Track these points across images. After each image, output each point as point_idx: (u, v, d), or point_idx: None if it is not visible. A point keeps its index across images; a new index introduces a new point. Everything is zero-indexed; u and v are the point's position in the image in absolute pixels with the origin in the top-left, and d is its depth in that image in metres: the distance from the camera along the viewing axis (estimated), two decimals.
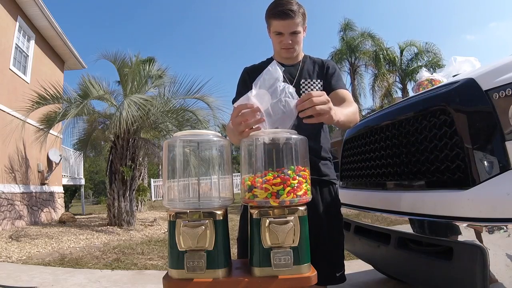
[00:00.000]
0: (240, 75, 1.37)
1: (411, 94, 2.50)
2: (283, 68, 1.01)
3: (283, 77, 1.23)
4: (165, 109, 6.44)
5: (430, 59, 13.02)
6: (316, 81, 1.31)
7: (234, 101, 1.31)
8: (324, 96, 0.92)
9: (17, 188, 6.47)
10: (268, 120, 0.91)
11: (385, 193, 1.42)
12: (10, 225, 5.92)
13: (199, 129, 6.11)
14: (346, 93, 1.30)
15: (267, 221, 0.76)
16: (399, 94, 13.75)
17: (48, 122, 6.17)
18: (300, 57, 1.37)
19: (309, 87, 1.30)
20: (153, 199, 14.44)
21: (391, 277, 2.27)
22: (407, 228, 1.17)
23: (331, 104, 0.94)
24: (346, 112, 1.11)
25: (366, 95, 15.11)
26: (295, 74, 1.32)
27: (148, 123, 6.54)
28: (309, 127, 1.04)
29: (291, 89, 0.95)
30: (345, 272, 1.23)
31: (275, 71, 0.97)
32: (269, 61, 1.36)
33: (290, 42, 1.24)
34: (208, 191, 0.86)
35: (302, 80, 1.30)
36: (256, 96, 0.91)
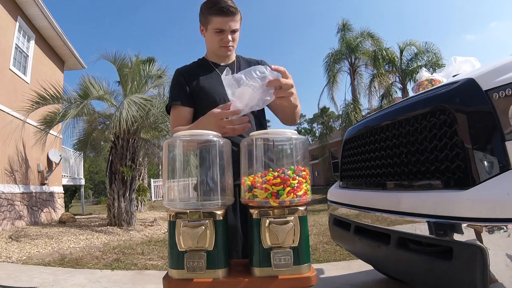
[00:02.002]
0: (174, 78, 1.32)
1: (411, 94, 2.50)
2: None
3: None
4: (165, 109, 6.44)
5: (430, 59, 13.02)
6: None
7: (168, 105, 1.30)
8: (291, 80, 0.98)
9: (17, 188, 6.47)
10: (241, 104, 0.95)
11: (385, 193, 1.42)
12: (10, 225, 5.92)
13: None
14: None
15: (267, 221, 0.76)
16: (399, 94, 13.75)
17: (48, 122, 6.17)
18: (234, 57, 1.35)
19: None
20: (153, 199, 14.44)
21: (391, 277, 2.27)
22: (407, 228, 1.17)
23: (294, 89, 1.01)
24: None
25: (366, 95, 15.08)
26: (232, 72, 1.30)
27: (148, 123, 6.54)
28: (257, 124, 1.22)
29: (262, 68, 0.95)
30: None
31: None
32: (201, 61, 1.35)
33: (231, 39, 1.23)
34: (208, 191, 0.86)
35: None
36: (236, 96, 0.94)
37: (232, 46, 1.26)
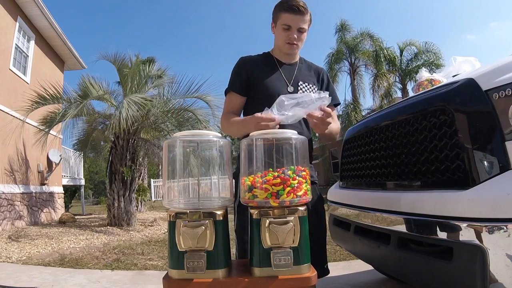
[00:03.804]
0: (236, 65, 1.37)
1: (411, 94, 2.51)
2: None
3: (282, 76, 1.32)
4: (165, 109, 6.45)
5: (430, 59, 13.01)
6: (313, 86, 1.36)
7: (227, 90, 1.36)
8: (330, 119, 1.10)
9: (17, 189, 6.47)
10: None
11: (385, 193, 1.42)
12: (10, 226, 5.91)
13: (199, 128, 6.12)
14: (334, 113, 1.41)
15: (267, 221, 0.76)
16: (399, 94, 13.74)
17: (48, 122, 6.17)
18: (297, 58, 1.39)
19: (306, 90, 1.33)
20: (153, 199, 14.43)
21: (391, 277, 2.27)
22: (407, 228, 1.17)
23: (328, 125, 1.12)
24: (332, 128, 1.26)
25: (366, 95, 15.08)
26: (293, 74, 1.34)
27: (148, 123, 6.54)
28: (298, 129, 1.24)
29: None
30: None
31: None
32: (266, 55, 1.39)
33: (296, 37, 1.27)
34: (208, 191, 0.86)
35: (300, 82, 1.33)
36: (284, 116, 1.03)
37: (297, 45, 1.30)
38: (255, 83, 1.30)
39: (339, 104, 1.48)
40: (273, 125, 1.03)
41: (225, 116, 1.33)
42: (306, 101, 1.03)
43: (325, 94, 1.04)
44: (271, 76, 1.31)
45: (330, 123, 1.11)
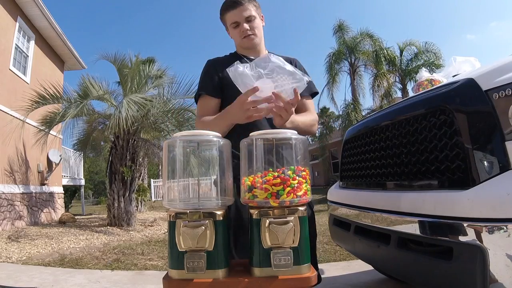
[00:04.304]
0: (204, 68, 1.34)
1: (411, 94, 2.51)
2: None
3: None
4: (165, 109, 6.45)
5: (430, 59, 13.01)
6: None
7: (198, 94, 1.31)
8: (292, 111, 1.02)
9: (17, 189, 6.47)
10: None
11: (385, 193, 1.42)
12: (10, 226, 5.91)
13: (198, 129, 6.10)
14: (310, 103, 1.35)
15: (267, 221, 0.76)
16: (399, 94, 13.75)
17: (48, 122, 6.17)
18: (265, 52, 1.35)
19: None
20: (153, 199, 14.43)
21: (391, 277, 2.27)
22: (407, 228, 1.17)
23: (290, 117, 1.04)
24: (300, 120, 1.19)
25: (366, 95, 15.07)
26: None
27: (148, 123, 6.54)
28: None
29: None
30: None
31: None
32: (232, 55, 1.36)
33: (248, 28, 1.26)
34: (208, 191, 0.86)
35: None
36: (260, 83, 0.95)
37: (254, 34, 1.28)
38: (227, 82, 1.22)
39: (317, 93, 1.40)
40: (260, 97, 0.95)
41: (200, 121, 1.25)
42: (280, 76, 0.96)
43: (305, 78, 0.98)
44: None
45: (292, 113, 1.03)
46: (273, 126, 1.19)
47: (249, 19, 1.26)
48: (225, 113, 1.13)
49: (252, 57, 1.31)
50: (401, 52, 13.73)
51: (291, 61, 1.36)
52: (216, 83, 1.27)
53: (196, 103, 1.32)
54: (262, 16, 1.33)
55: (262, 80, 0.97)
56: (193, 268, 0.74)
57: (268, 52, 1.36)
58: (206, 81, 1.30)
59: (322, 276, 2.55)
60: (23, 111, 5.85)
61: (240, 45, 1.32)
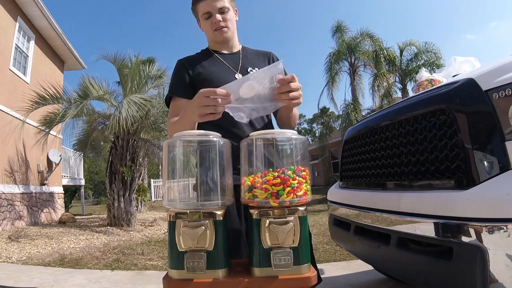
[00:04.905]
0: (175, 69, 1.28)
1: (411, 94, 2.50)
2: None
3: (226, 65, 1.24)
4: (165, 109, 6.45)
5: (430, 59, 13.01)
6: None
7: (169, 97, 1.25)
8: (297, 82, 0.95)
9: (17, 189, 6.47)
10: (248, 106, 0.92)
11: (385, 193, 1.42)
12: (10, 226, 5.91)
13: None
14: None
15: (267, 221, 0.76)
16: (399, 94, 13.74)
17: (48, 123, 6.17)
18: (239, 47, 1.32)
19: None
20: (153, 199, 14.43)
21: (391, 277, 2.27)
22: (407, 228, 1.17)
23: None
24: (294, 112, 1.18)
25: (366, 95, 15.06)
26: (239, 61, 1.26)
27: (148, 123, 6.54)
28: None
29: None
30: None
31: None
32: (204, 51, 1.31)
33: (221, 19, 1.20)
34: (208, 191, 0.86)
35: (250, 68, 1.24)
36: (245, 87, 0.91)
37: (226, 27, 1.22)
38: (199, 80, 1.19)
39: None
40: (224, 97, 0.88)
41: (169, 122, 1.20)
42: (259, 76, 0.91)
43: (276, 63, 0.93)
44: (214, 68, 1.22)
45: (300, 87, 0.96)
46: (254, 130, 1.12)
47: (222, 10, 1.20)
48: (183, 110, 1.06)
49: (225, 52, 1.27)
50: (401, 52, 13.73)
51: (268, 55, 1.33)
52: (187, 83, 1.22)
53: (168, 107, 1.27)
54: (236, 10, 1.28)
55: (248, 83, 0.92)
56: (193, 268, 0.74)
57: (243, 46, 1.32)
58: (176, 82, 1.24)
59: (322, 276, 2.56)
60: (23, 112, 5.85)
61: (212, 39, 1.26)
